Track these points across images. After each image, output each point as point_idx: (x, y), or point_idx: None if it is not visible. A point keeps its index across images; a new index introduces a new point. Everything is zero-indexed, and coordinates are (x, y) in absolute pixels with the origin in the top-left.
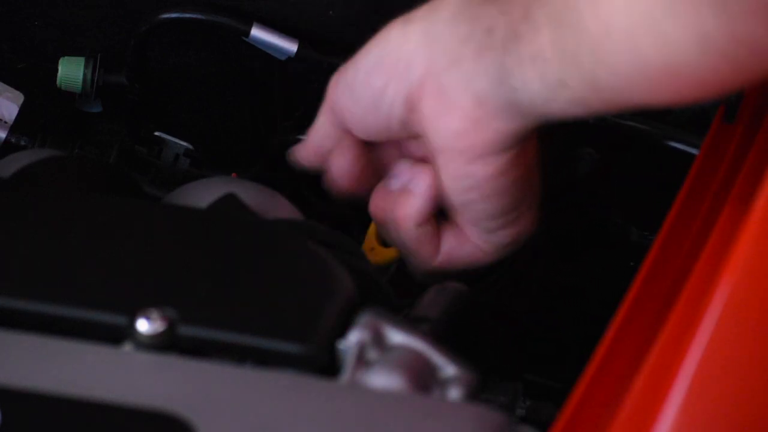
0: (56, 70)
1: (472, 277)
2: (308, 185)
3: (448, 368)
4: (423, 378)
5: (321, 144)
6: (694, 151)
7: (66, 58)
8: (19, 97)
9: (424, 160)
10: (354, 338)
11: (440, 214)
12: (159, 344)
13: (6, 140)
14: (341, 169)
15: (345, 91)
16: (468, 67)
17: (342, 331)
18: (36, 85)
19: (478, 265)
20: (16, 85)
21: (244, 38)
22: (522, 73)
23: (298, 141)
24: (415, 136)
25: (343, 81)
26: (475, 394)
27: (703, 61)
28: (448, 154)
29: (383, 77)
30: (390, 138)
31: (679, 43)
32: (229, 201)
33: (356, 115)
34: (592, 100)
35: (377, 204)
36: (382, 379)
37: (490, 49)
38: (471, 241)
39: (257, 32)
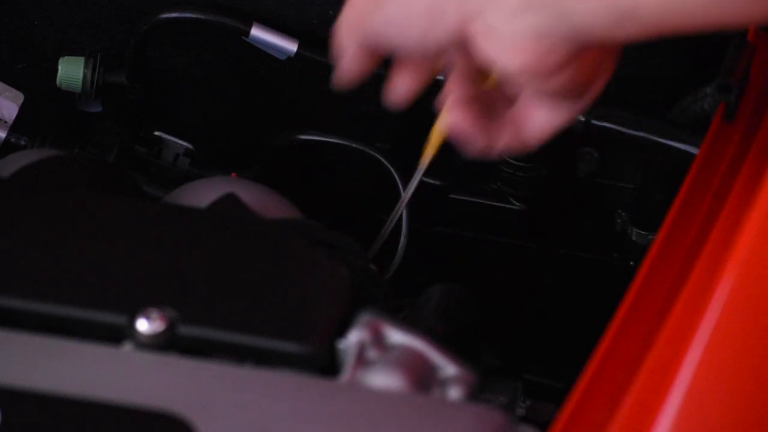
0: (56, 70)
1: None
2: (308, 185)
3: (448, 368)
4: (423, 378)
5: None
6: (694, 151)
7: (66, 58)
8: (19, 97)
9: None
10: (354, 338)
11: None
12: (159, 344)
13: (6, 140)
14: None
15: (389, 22)
16: (518, 10)
17: (342, 330)
18: (36, 85)
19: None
20: (16, 85)
21: (244, 38)
22: (589, 4)
23: (298, 141)
24: None
25: (378, 12)
26: (475, 394)
27: None
28: (522, 77)
29: (419, 24)
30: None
31: None
32: (229, 201)
33: (403, 29)
34: (665, 22)
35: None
36: (382, 379)
37: None
38: (551, 110)
39: (257, 32)
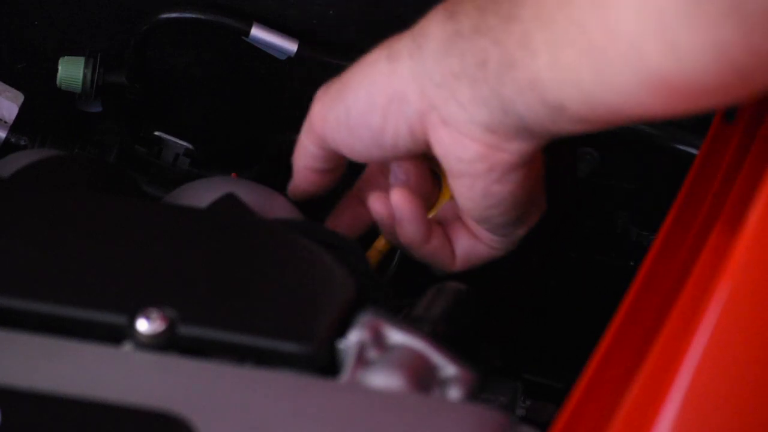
0: (56, 70)
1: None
2: None
3: (448, 368)
4: (423, 378)
5: (314, 163)
6: (694, 151)
7: (66, 58)
8: (19, 97)
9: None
10: (354, 338)
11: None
12: (159, 344)
13: (6, 140)
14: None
15: (338, 127)
16: (467, 102)
17: (342, 330)
18: (36, 85)
19: (494, 259)
20: (16, 85)
21: (244, 38)
22: (524, 100)
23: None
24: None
25: (333, 117)
26: (475, 394)
27: (712, 71)
28: (467, 178)
29: (379, 116)
30: (394, 159)
31: (690, 53)
32: (229, 201)
33: (356, 147)
34: (592, 118)
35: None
36: (382, 379)
37: (484, 82)
38: (484, 242)
39: (257, 32)
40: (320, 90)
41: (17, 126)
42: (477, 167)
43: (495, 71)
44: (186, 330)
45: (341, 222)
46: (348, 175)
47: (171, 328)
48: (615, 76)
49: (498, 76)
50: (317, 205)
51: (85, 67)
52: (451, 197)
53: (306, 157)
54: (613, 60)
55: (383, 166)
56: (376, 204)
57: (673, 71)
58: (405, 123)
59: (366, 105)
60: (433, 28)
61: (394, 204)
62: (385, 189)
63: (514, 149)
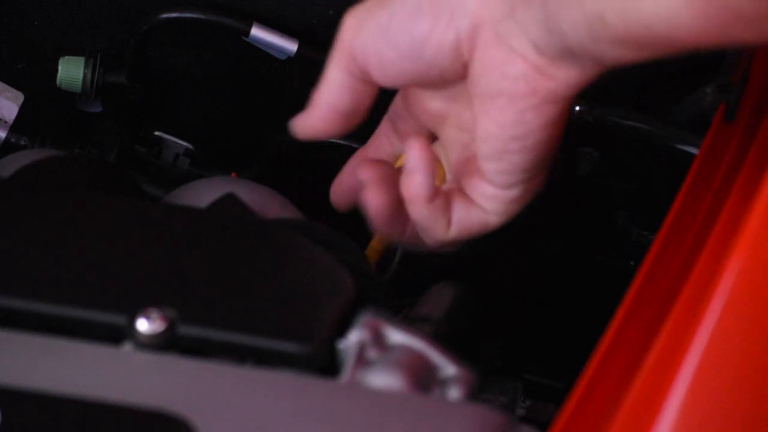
0: (56, 70)
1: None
2: (308, 185)
3: (448, 368)
4: (423, 378)
5: (338, 99)
6: (694, 151)
7: (66, 58)
8: (19, 97)
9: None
10: (354, 338)
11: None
12: (159, 344)
13: (6, 140)
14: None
15: (376, 35)
16: (521, 17)
17: (342, 331)
18: (36, 85)
19: (487, 231)
20: (16, 85)
21: (244, 38)
22: (567, 14)
23: (298, 141)
24: (452, 83)
25: (372, 26)
26: (475, 394)
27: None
28: (503, 99)
29: (427, 22)
30: (421, 84)
31: None
32: (229, 201)
33: (389, 60)
34: (629, 38)
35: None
36: (382, 379)
37: None
38: (478, 208)
39: (257, 32)
40: (351, 9)
41: (17, 126)
42: (520, 87)
43: None
44: (186, 330)
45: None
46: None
47: (171, 328)
48: None
49: None
50: (317, 205)
51: (85, 67)
52: (445, 181)
53: (329, 89)
54: None
55: (392, 132)
56: (365, 172)
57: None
58: (454, 34)
59: (415, 8)
60: None
61: (410, 150)
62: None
63: (560, 76)
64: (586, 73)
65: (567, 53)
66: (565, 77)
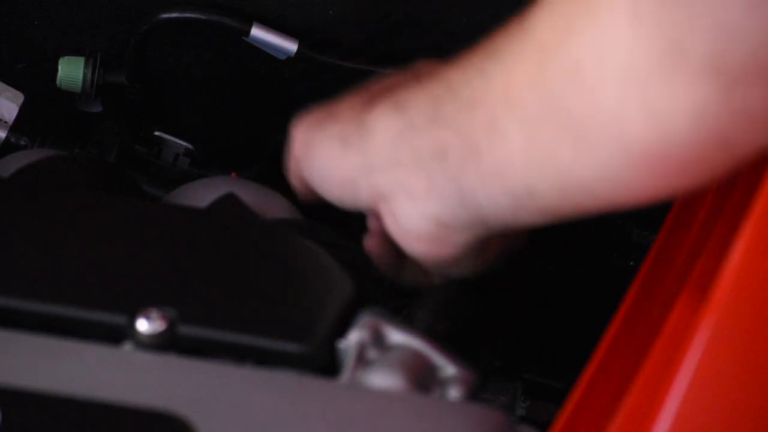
0: (56, 70)
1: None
2: None
3: (447, 368)
4: (423, 378)
5: (302, 186)
6: None
7: (66, 58)
8: (19, 97)
9: None
10: (354, 338)
11: None
12: (159, 344)
13: (6, 140)
14: None
15: (308, 177)
16: (421, 198)
17: (342, 331)
18: (36, 85)
19: None
20: (16, 85)
21: (244, 38)
22: (485, 189)
23: None
24: None
25: (303, 167)
26: (475, 394)
27: (693, 138)
28: (426, 262)
29: (336, 190)
30: None
31: (670, 118)
32: (229, 201)
33: (327, 197)
34: (563, 205)
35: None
36: (382, 379)
37: (443, 174)
38: None
39: (257, 32)
40: (299, 125)
41: (17, 126)
42: (424, 254)
43: (456, 161)
44: (186, 330)
45: None
46: None
47: (171, 328)
48: (595, 150)
49: (459, 166)
50: (317, 205)
51: (85, 67)
52: None
53: (295, 181)
54: (593, 131)
55: None
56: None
57: (655, 141)
58: (361, 203)
59: (322, 177)
60: (379, 123)
61: (367, 249)
62: None
63: (461, 242)
64: (492, 233)
65: (477, 223)
66: (467, 241)
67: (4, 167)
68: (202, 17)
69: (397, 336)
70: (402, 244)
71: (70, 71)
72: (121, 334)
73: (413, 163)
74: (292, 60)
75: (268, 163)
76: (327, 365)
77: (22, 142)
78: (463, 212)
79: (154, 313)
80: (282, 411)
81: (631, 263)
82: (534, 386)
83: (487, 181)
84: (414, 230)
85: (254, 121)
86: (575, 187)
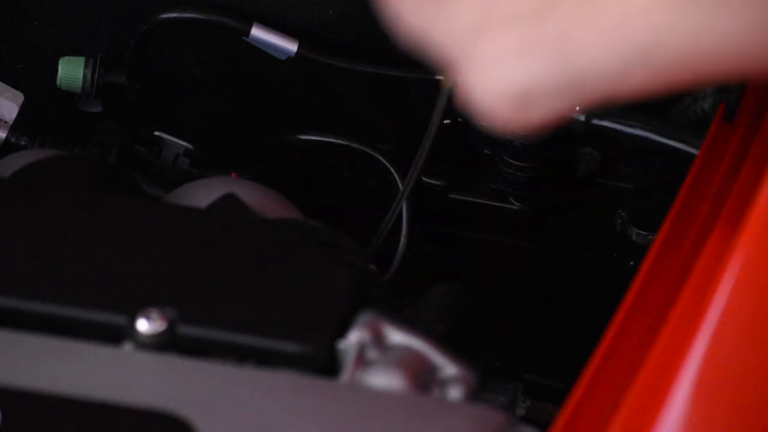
0: (56, 70)
1: None
2: (308, 185)
3: (448, 368)
4: (423, 378)
5: None
6: (694, 151)
7: (66, 58)
8: (19, 97)
9: None
10: (354, 338)
11: None
12: (159, 344)
13: (6, 140)
14: None
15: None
16: (509, 57)
17: (342, 331)
18: (36, 85)
19: None
20: (16, 85)
21: (244, 38)
22: (601, 45)
23: (298, 141)
24: None
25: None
26: (475, 394)
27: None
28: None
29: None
30: None
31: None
32: (229, 201)
33: None
34: (681, 70)
35: None
36: (382, 379)
37: (545, 30)
38: None
39: (257, 32)
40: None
41: (17, 126)
42: (503, 124)
43: (565, 15)
44: (186, 330)
45: None
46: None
47: (171, 328)
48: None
49: (569, 21)
50: (317, 205)
51: (85, 67)
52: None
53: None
54: None
55: None
56: None
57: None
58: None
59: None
60: None
61: None
62: None
63: (545, 110)
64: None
65: (573, 88)
66: (549, 109)
67: (4, 167)
68: (202, 17)
69: (397, 336)
70: (481, 106)
71: (70, 71)
72: (122, 334)
73: (507, 20)
74: (292, 60)
75: (268, 163)
76: (327, 365)
77: (22, 142)
78: (557, 75)
79: (154, 313)
80: (282, 411)
81: (631, 263)
82: (534, 386)
83: (605, 36)
84: (496, 92)
85: (254, 121)
86: (708, 45)
